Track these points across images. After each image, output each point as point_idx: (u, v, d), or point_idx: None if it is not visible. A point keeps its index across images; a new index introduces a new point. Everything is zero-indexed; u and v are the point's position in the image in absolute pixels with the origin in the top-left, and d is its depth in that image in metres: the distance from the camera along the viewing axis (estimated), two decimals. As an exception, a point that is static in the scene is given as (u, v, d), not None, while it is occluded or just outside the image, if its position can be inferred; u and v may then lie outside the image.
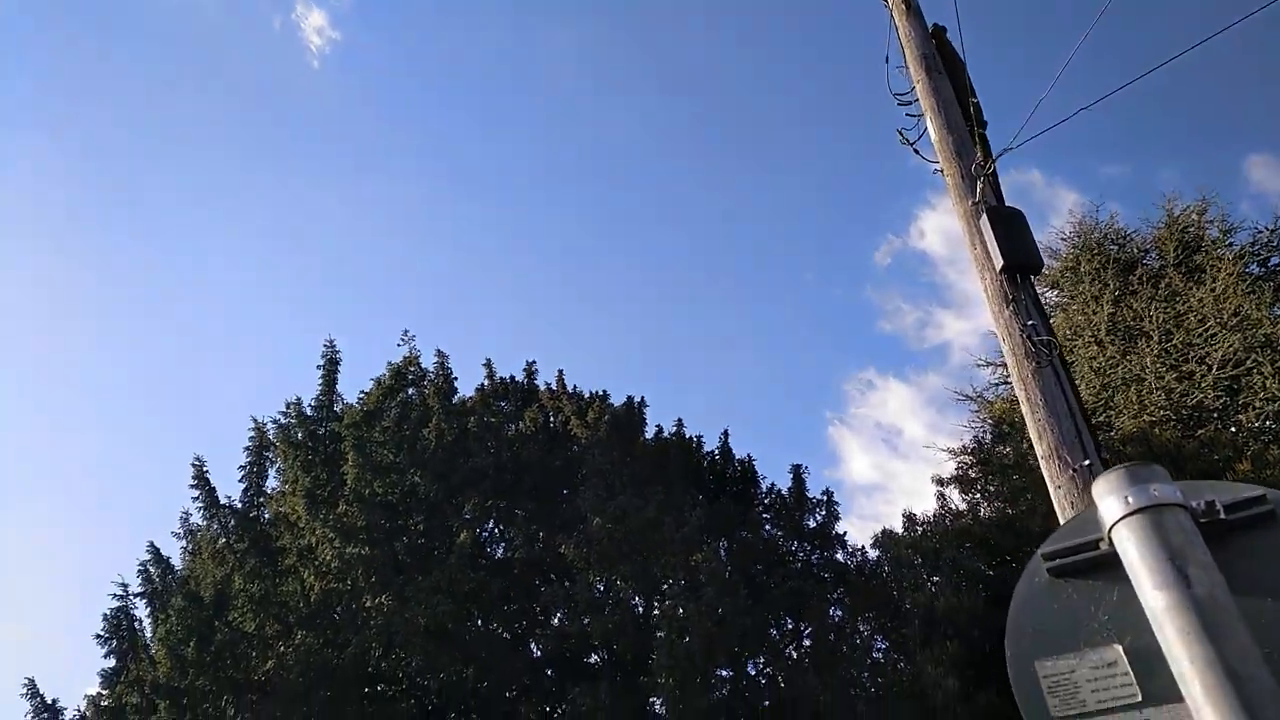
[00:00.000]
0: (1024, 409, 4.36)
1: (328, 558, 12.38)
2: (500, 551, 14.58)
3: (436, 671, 12.33)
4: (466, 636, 13.15)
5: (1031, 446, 4.48)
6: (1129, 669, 2.07)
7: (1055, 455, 4.06)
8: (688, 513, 12.49)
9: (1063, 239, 17.59)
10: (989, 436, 16.76)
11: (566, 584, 12.93)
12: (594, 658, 14.35)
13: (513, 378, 14.93)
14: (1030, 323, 4.45)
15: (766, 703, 13.62)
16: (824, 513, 13.37)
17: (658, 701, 12.84)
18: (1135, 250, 16.76)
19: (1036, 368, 4.31)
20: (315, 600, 12.37)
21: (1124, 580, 2.07)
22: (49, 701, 12.84)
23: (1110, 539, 2.12)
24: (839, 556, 13.33)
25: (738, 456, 14.76)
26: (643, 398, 14.39)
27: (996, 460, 15.77)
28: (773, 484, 14.17)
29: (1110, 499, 2.11)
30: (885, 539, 13.65)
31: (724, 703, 12.32)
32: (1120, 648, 2.10)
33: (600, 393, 14.31)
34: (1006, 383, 17.19)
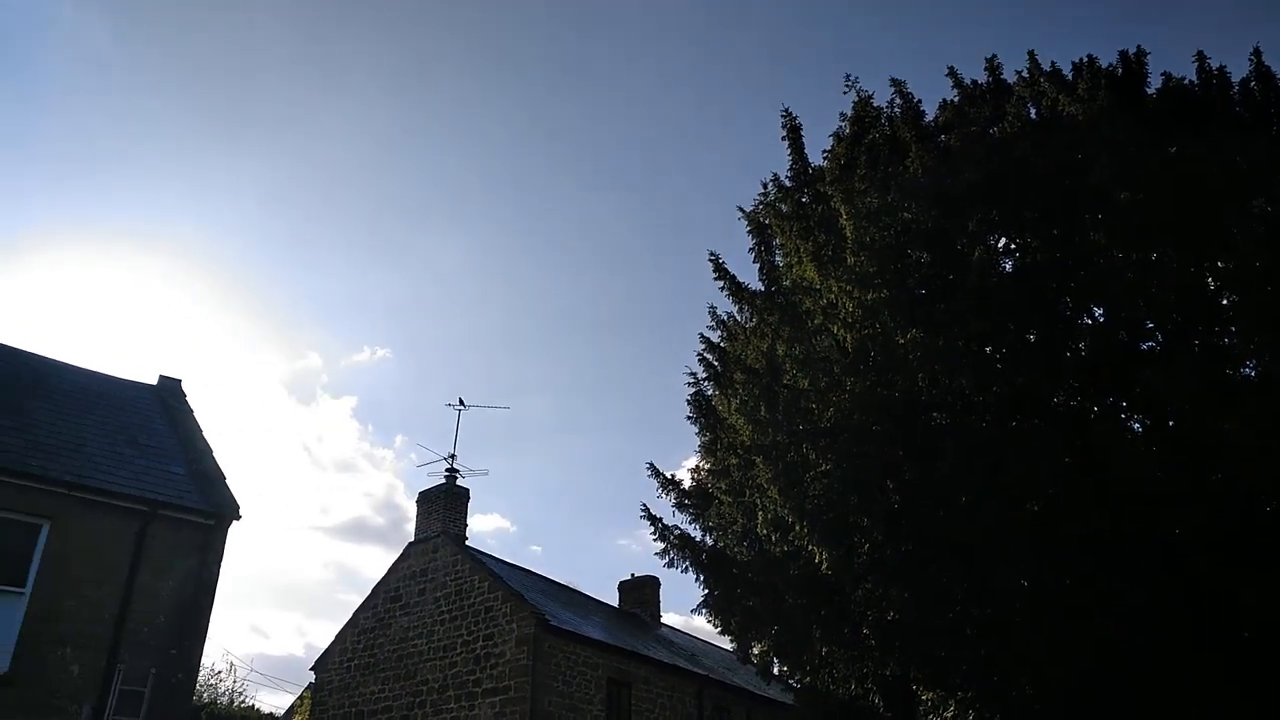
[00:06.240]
0: None
1: (850, 308, 12.99)
2: (1011, 263, 14.03)
3: (988, 388, 12.51)
4: (1003, 349, 13.10)
5: None
6: None
7: None
8: (1236, 156, 10.75)
9: None
10: None
11: (1096, 272, 12.08)
12: (1145, 344, 13.40)
13: (975, 81, 13.81)
14: None
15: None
16: None
17: (1247, 367, 11.70)
18: None
19: None
20: (853, 349, 13.17)
21: None
22: (669, 476, 15.72)
23: None
24: None
25: (1280, 75, 12.14)
26: (1139, 47, 12.40)
27: None
28: (1342, 89, 11.45)
29: None
30: None
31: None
32: None
33: (1084, 59, 12.60)
34: None
